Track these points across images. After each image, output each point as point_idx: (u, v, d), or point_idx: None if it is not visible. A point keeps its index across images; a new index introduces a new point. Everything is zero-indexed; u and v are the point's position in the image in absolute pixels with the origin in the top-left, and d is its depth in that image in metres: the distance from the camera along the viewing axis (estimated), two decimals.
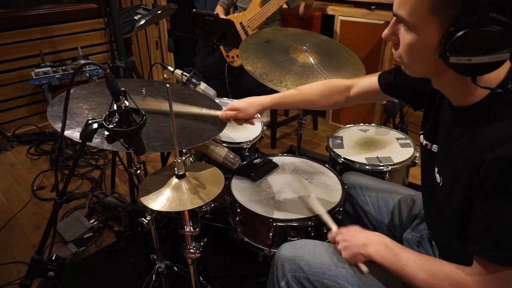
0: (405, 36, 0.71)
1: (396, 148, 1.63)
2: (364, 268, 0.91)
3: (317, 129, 3.08)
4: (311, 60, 1.75)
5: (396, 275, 0.85)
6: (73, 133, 1.02)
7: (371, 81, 1.12)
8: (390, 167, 1.47)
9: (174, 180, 0.92)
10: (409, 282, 0.82)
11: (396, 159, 1.52)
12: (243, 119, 1.27)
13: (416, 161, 1.57)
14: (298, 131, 1.99)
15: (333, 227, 1.07)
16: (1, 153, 2.81)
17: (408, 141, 1.67)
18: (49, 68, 2.70)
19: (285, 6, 2.63)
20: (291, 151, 2.74)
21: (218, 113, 1.27)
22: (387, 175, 1.47)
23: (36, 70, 2.67)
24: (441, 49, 0.66)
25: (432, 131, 0.91)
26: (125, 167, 2.34)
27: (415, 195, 1.21)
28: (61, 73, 2.72)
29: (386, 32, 0.76)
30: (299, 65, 1.73)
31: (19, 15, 2.93)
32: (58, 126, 0.97)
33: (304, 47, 1.79)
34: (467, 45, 0.63)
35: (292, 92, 1.26)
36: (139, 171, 1.11)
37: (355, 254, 0.92)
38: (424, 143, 0.95)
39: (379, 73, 1.12)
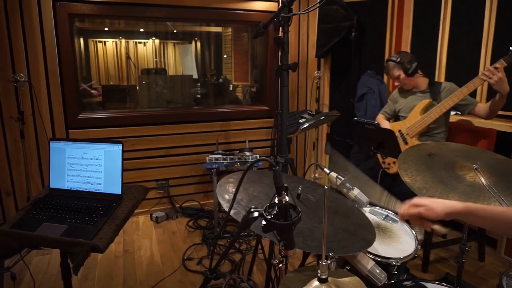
0: None
1: None
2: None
3: (484, 260, 2.58)
4: (483, 180, 1.55)
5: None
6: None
7: None
8: None
9: (315, 283, 0.90)
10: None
11: None
12: (426, 219, 1.15)
13: None
14: (460, 258, 1.71)
15: None
16: (168, 221, 3.27)
17: None
18: (220, 156, 3.15)
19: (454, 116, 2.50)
20: (447, 280, 2.33)
21: (399, 209, 1.21)
22: None
23: (210, 156, 3.15)
24: None
25: None
26: (265, 257, 2.39)
27: None
28: (228, 160, 3.13)
29: None
30: (467, 184, 1.56)
31: (206, 111, 3.65)
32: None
33: (474, 165, 1.62)
34: None
35: (498, 208, 1.11)
36: (281, 265, 1.13)
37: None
38: None
39: None
